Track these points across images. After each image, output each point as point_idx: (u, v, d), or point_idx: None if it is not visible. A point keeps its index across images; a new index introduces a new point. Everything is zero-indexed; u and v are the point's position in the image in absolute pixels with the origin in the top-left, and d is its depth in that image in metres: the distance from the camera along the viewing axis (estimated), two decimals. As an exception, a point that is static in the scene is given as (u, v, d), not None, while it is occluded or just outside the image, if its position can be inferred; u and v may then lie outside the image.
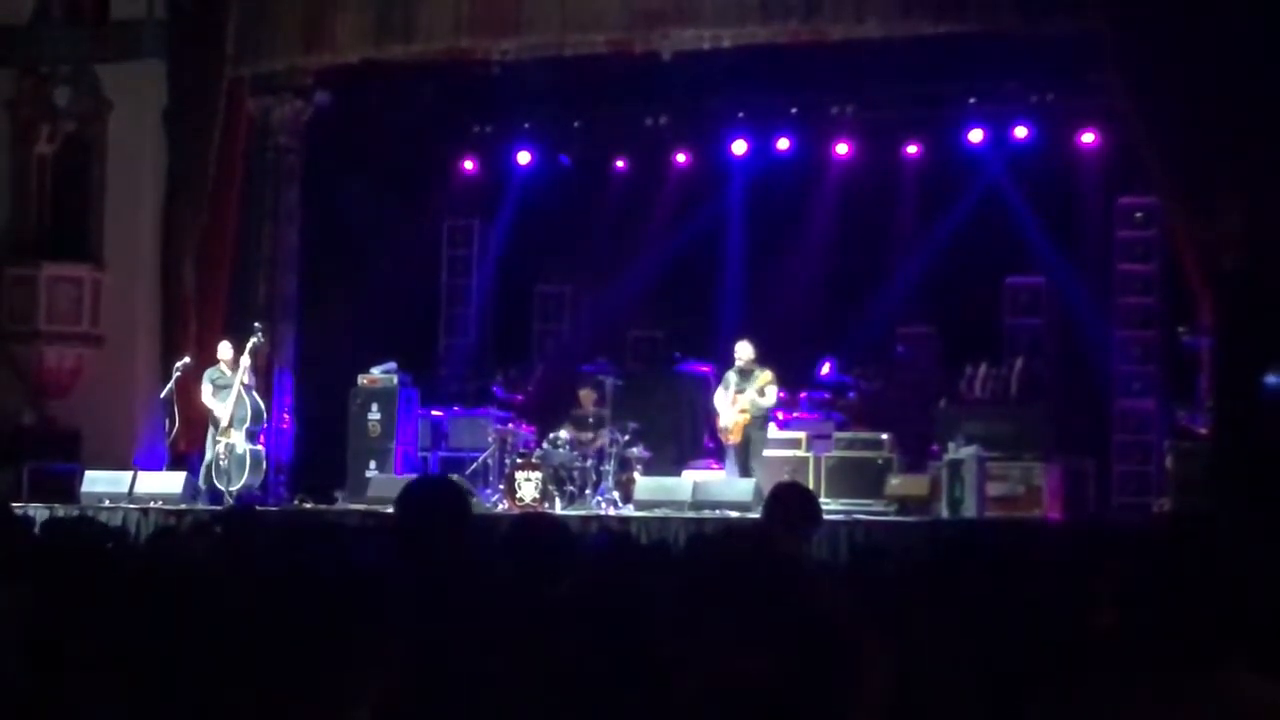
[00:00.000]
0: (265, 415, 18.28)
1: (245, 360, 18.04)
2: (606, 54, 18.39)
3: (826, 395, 19.61)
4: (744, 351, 17.50)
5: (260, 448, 18.16)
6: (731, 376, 17.52)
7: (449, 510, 5.11)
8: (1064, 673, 3.26)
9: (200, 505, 17.26)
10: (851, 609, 4.21)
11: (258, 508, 16.88)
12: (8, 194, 20.09)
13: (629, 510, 16.88)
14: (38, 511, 15.21)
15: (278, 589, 3.59)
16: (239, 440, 17.90)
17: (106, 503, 17.21)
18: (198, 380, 18.19)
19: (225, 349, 18.17)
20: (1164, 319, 18.74)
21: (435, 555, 4.88)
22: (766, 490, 16.79)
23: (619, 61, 18.74)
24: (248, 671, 3.46)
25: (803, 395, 19.26)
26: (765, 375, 17.37)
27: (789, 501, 7.57)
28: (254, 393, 18.14)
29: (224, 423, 17.88)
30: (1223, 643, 3.06)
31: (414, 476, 16.69)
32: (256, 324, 18.44)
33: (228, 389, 17.98)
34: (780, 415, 18.22)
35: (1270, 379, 14.67)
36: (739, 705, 3.54)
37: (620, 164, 22.70)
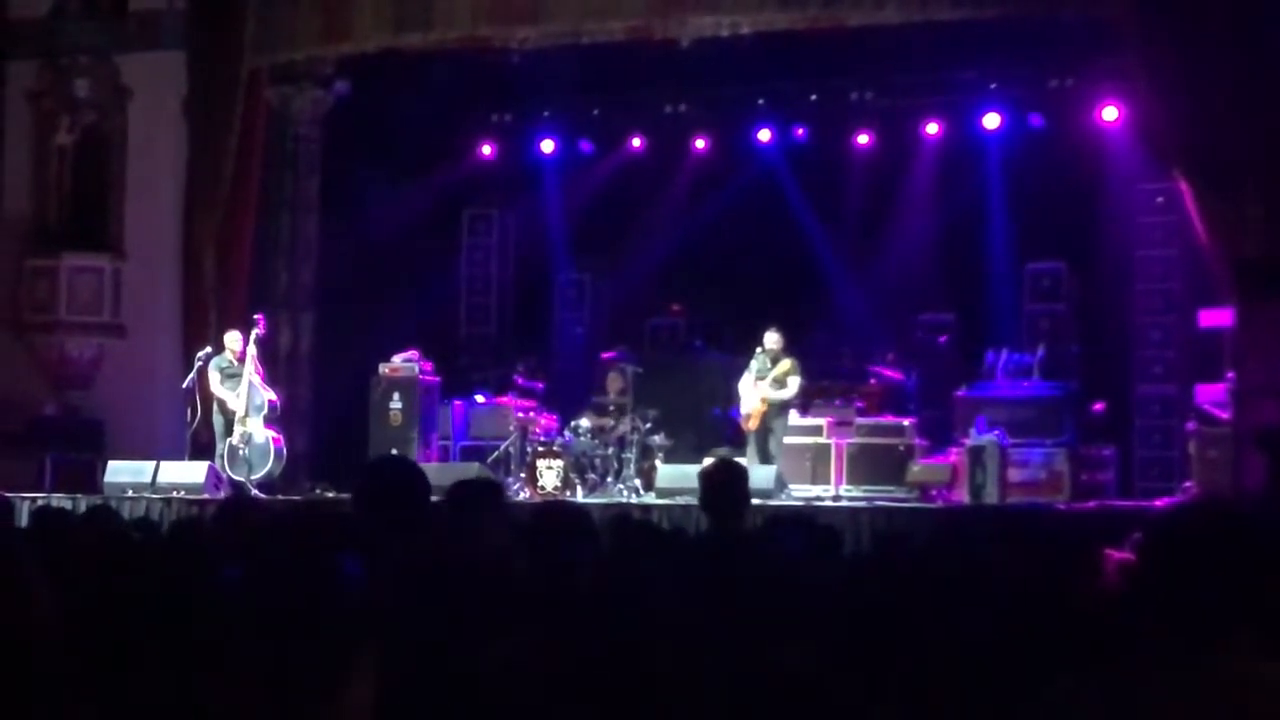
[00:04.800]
0: (276, 405, 18.23)
1: (252, 350, 18.03)
2: (625, 41, 18.38)
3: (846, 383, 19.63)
4: (772, 340, 17.48)
5: (280, 436, 18.15)
6: (756, 364, 17.51)
7: (408, 491, 5.07)
8: (1073, 654, 3.26)
9: (223, 495, 17.28)
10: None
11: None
12: (28, 185, 20.14)
13: (650, 498, 16.88)
14: (61, 502, 15.26)
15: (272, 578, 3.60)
16: (257, 429, 17.90)
17: (129, 493, 17.23)
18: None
19: (234, 338, 18.12)
20: (1184, 304, 18.69)
21: (396, 535, 4.84)
22: (787, 476, 16.92)
23: (638, 49, 18.73)
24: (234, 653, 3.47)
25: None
26: (785, 364, 17.34)
27: (721, 481, 7.46)
28: (264, 383, 18.13)
29: (240, 412, 17.87)
30: (1229, 625, 3.05)
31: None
32: (256, 315, 18.39)
33: (236, 378, 17.96)
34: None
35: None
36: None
37: (640, 151, 22.67)
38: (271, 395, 18.15)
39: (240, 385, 17.92)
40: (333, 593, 3.63)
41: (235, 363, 18.03)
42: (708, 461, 8.91)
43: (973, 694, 3.85)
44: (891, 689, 3.68)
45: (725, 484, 7.36)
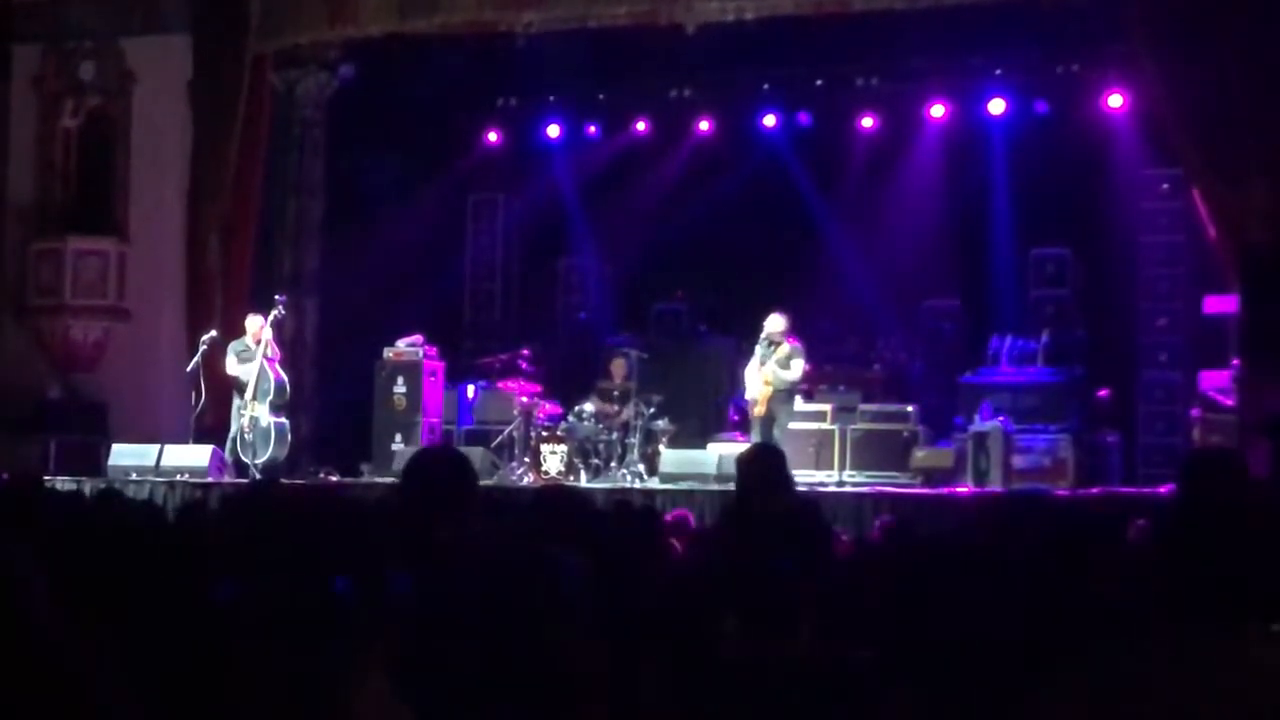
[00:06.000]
0: (288, 389, 18.24)
1: (267, 333, 18.03)
2: (630, 26, 18.35)
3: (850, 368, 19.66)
4: (773, 324, 17.36)
5: (285, 421, 18.15)
6: (760, 349, 17.45)
7: (453, 482, 5.05)
8: (1079, 638, 3.26)
9: (227, 478, 17.31)
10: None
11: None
12: (33, 168, 20.16)
13: (654, 483, 16.88)
14: (65, 484, 15.27)
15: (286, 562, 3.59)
16: (263, 413, 17.89)
17: (134, 476, 17.26)
18: (224, 353, 18.18)
19: (254, 322, 18.13)
20: (1189, 290, 18.68)
21: (438, 526, 4.83)
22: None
23: (642, 33, 18.70)
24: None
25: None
26: (786, 348, 17.22)
27: (762, 463, 7.46)
28: (277, 366, 18.12)
29: (249, 395, 17.88)
30: (1237, 607, 3.06)
31: (421, 448, 16.74)
32: (277, 296, 18.42)
33: (251, 361, 17.99)
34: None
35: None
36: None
37: (645, 136, 22.65)
38: (284, 377, 18.14)
39: (253, 368, 17.93)
40: (333, 614, 3.64)
41: (251, 346, 18.03)
42: (730, 449, 8.93)
43: (985, 680, 3.84)
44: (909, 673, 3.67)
45: (765, 467, 7.38)
